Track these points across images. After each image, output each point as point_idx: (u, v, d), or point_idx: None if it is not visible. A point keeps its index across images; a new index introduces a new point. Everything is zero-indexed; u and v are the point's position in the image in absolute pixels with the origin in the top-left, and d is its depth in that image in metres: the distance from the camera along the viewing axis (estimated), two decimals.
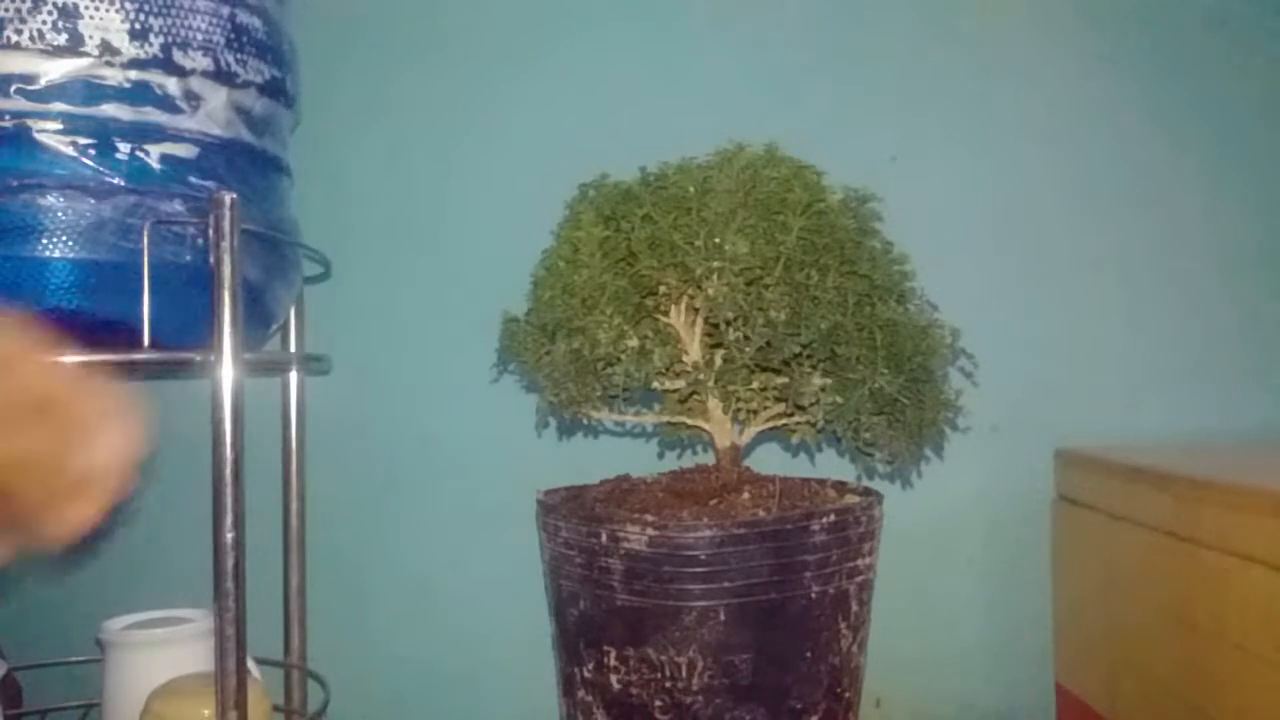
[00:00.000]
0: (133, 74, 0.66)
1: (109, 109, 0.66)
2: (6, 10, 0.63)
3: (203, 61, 0.69)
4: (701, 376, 0.67)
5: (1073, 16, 1.03)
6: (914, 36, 1.01)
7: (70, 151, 0.65)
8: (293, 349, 0.90)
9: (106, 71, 0.66)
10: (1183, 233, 1.03)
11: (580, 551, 0.66)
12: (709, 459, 0.77)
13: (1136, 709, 0.85)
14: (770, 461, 0.90)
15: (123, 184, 0.66)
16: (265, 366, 0.89)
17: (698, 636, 0.62)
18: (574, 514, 0.67)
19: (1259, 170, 1.03)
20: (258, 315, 0.76)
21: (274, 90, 0.76)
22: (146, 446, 0.40)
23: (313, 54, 0.86)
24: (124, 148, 0.66)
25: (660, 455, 0.86)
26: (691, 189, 0.64)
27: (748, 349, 0.63)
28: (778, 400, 0.69)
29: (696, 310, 0.66)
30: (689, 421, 0.73)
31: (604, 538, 0.64)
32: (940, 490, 0.97)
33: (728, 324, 0.63)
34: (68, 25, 0.64)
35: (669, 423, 0.74)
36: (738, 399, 0.67)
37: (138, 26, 0.66)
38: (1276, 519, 0.67)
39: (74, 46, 0.64)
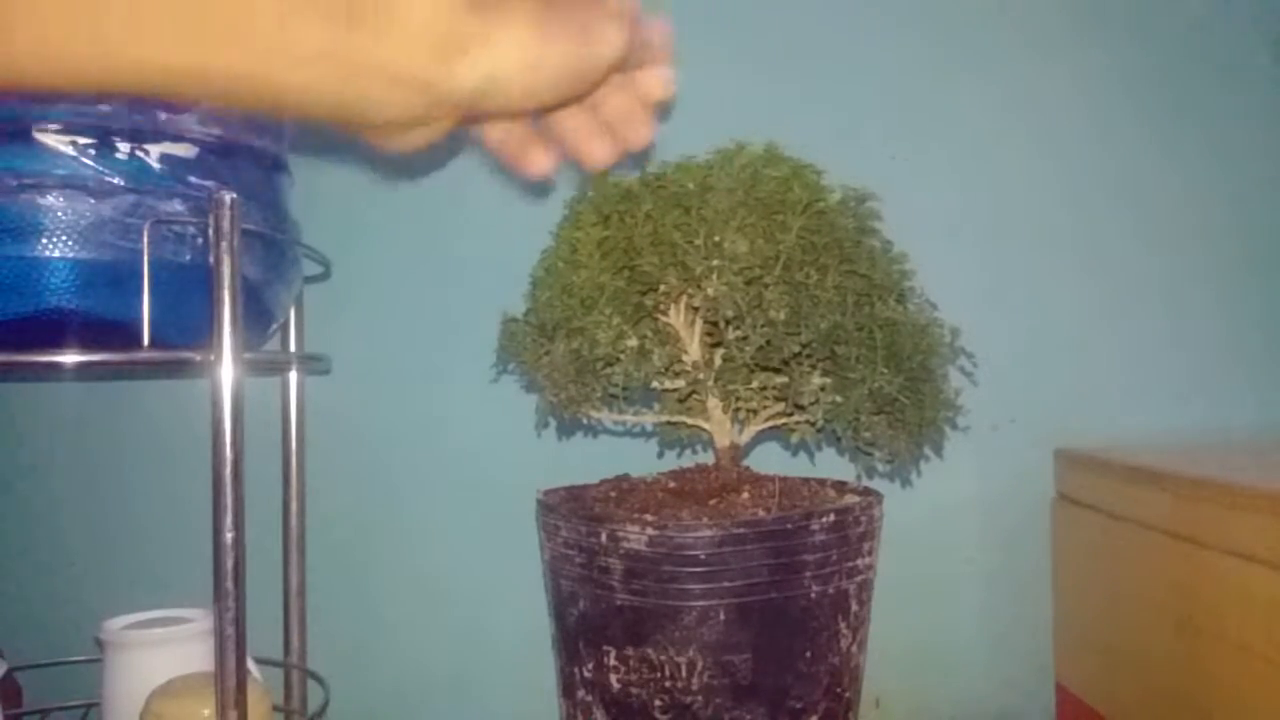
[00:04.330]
0: None
1: (109, 108, 0.66)
2: None
3: None
4: (701, 376, 0.67)
5: (1072, 19, 1.03)
6: (914, 36, 1.01)
7: (70, 151, 0.65)
8: (293, 349, 0.90)
9: None
10: (1183, 232, 1.03)
11: (580, 551, 0.66)
12: (709, 458, 0.77)
13: (1136, 709, 0.85)
14: (770, 461, 0.90)
15: (122, 184, 0.66)
16: (265, 366, 0.89)
17: (697, 636, 0.62)
18: (574, 514, 0.67)
19: (1258, 171, 1.03)
20: (258, 315, 0.76)
21: None
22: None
23: None
24: (124, 147, 0.66)
25: (660, 455, 0.86)
26: (691, 186, 0.64)
27: (747, 349, 0.63)
28: (777, 400, 0.69)
29: (696, 310, 0.66)
30: (689, 421, 0.73)
31: (604, 537, 0.64)
32: (940, 490, 0.97)
33: (727, 323, 0.63)
34: None
35: (669, 422, 0.74)
36: (737, 398, 0.67)
37: None
38: (1276, 518, 0.67)
39: None
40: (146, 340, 0.63)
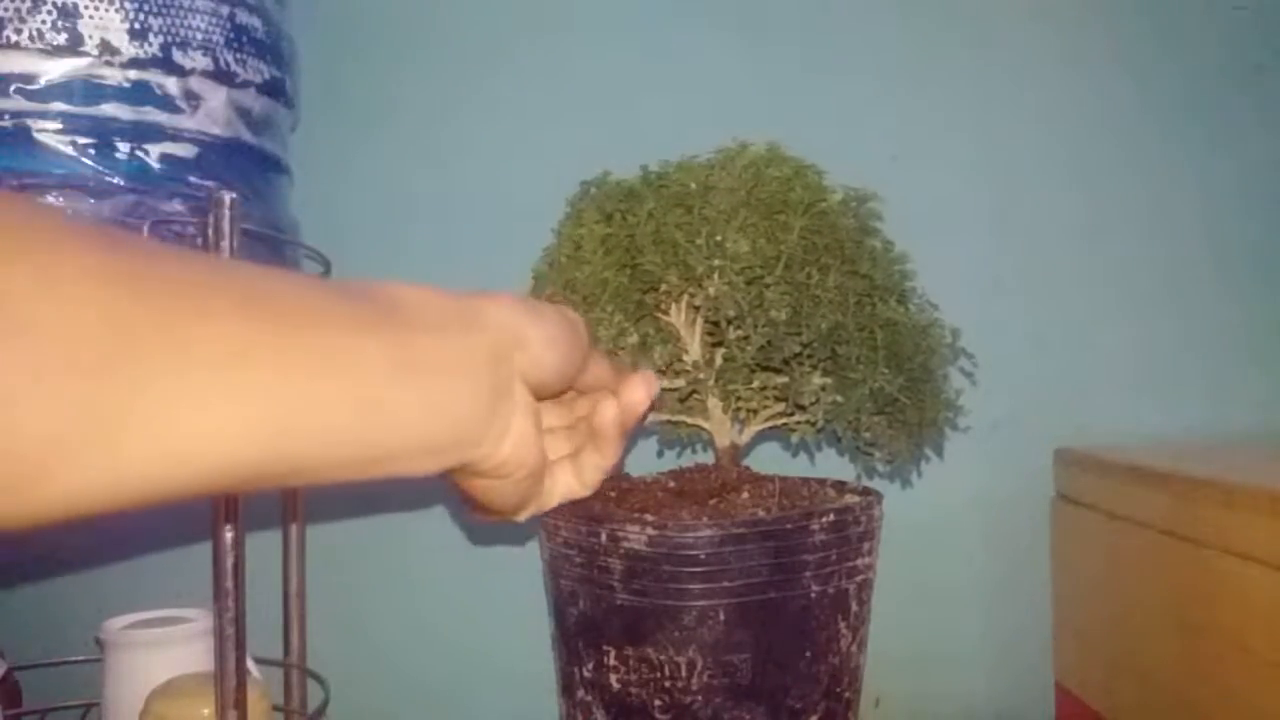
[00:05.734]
0: (132, 74, 0.66)
1: (109, 109, 0.66)
2: (6, 10, 0.63)
3: (202, 61, 0.69)
4: (702, 376, 0.67)
5: (1074, 16, 1.03)
6: (914, 35, 1.01)
7: (70, 151, 0.65)
8: None
9: (106, 71, 0.66)
10: (1182, 232, 1.03)
11: (579, 551, 0.66)
12: (708, 457, 0.77)
13: (1136, 709, 0.85)
14: (770, 461, 0.90)
15: (122, 184, 0.66)
16: None
17: (697, 636, 0.62)
18: (573, 513, 0.67)
19: (1257, 170, 1.03)
20: None
21: (273, 90, 0.76)
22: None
23: (313, 54, 0.86)
24: (124, 147, 0.66)
25: (660, 454, 0.86)
26: (693, 186, 0.64)
27: (748, 349, 0.63)
28: (778, 400, 0.69)
29: (697, 309, 0.66)
30: (689, 420, 0.73)
31: (603, 537, 0.64)
32: (940, 489, 0.97)
33: (729, 323, 0.63)
34: (67, 25, 0.64)
35: (669, 421, 0.74)
36: (738, 398, 0.67)
37: (137, 26, 0.66)
38: (1276, 518, 0.67)
39: (73, 46, 0.64)
40: None
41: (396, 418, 0.31)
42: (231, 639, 0.62)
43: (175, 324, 0.25)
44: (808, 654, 0.65)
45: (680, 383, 0.70)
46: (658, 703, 0.63)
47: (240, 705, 0.62)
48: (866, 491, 0.73)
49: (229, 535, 0.61)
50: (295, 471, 0.29)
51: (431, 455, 0.33)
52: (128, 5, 0.66)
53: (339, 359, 0.29)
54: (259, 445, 0.27)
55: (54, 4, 0.64)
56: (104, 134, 0.66)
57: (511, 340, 0.36)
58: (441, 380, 0.33)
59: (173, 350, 0.25)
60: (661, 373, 0.69)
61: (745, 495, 0.69)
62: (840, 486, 0.76)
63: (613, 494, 0.73)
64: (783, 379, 0.67)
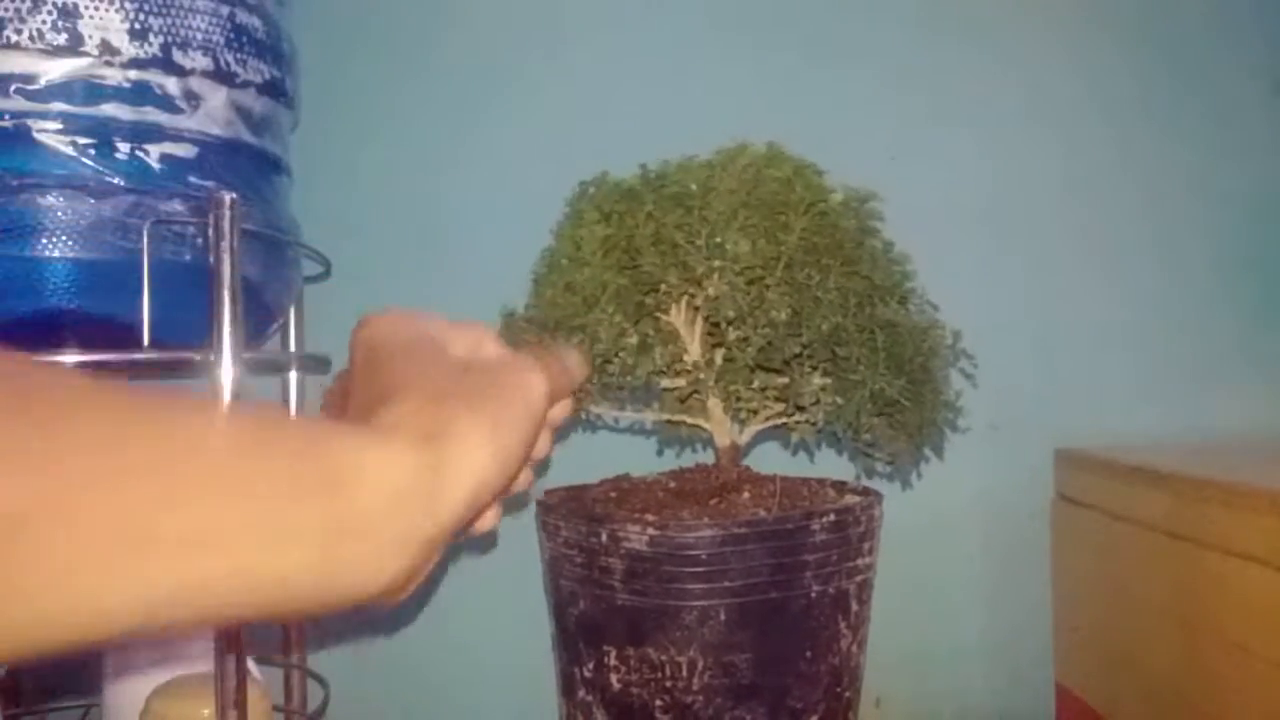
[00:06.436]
0: (132, 74, 0.66)
1: (109, 109, 0.66)
2: (6, 10, 0.63)
3: (202, 61, 0.69)
4: (702, 376, 0.67)
5: (1075, 13, 1.03)
6: (914, 35, 1.01)
7: (70, 151, 0.65)
8: (292, 349, 0.90)
9: (106, 71, 0.66)
10: (1184, 232, 1.03)
11: (580, 551, 0.66)
12: (708, 456, 0.77)
13: (1136, 709, 0.85)
14: (770, 460, 0.90)
15: (122, 184, 0.66)
16: (265, 366, 0.89)
17: (698, 636, 0.62)
18: (574, 514, 0.67)
19: (1259, 171, 1.03)
20: (257, 315, 0.76)
21: (274, 90, 0.76)
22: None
23: (313, 54, 0.86)
24: (124, 148, 0.66)
25: (659, 452, 0.86)
26: (694, 187, 0.64)
27: (749, 350, 0.63)
28: (778, 400, 0.69)
29: (697, 309, 0.66)
30: (689, 420, 0.73)
31: (604, 537, 0.64)
32: (940, 490, 0.97)
33: (729, 324, 0.63)
34: (67, 25, 0.64)
35: (669, 420, 0.74)
36: (738, 399, 0.67)
37: (137, 26, 0.66)
38: (1276, 518, 0.67)
39: (74, 46, 0.64)
40: (146, 340, 0.63)
41: (307, 583, 0.30)
42: (232, 639, 0.62)
43: (66, 501, 0.24)
44: (808, 654, 0.65)
45: (681, 382, 0.70)
46: (659, 703, 0.63)
47: (240, 705, 0.62)
48: (866, 492, 0.73)
49: None
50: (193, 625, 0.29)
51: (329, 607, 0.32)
52: (128, 5, 0.66)
53: (251, 529, 0.28)
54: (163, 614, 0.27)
55: (54, 4, 0.64)
56: (104, 134, 0.66)
57: (468, 504, 0.33)
58: (371, 559, 0.31)
59: (67, 527, 0.24)
60: (662, 373, 0.69)
61: (746, 495, 0.69)
62: (840, 486, 0.76)
63: (613, 494, 0.73)
64: (783, 380, 0.67)
